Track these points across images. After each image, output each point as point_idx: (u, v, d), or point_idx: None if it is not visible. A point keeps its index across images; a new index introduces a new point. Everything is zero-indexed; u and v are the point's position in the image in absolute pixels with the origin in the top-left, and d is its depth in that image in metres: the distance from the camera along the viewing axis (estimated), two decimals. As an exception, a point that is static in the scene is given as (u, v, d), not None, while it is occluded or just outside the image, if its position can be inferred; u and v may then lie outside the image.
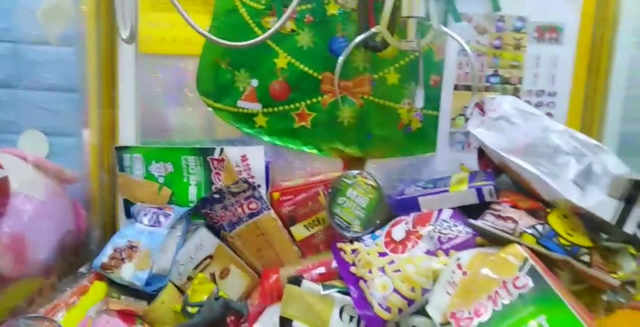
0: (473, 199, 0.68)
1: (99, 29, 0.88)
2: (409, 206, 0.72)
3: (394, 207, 0.75)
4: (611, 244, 0.64)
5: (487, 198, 0.67)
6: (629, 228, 0.54)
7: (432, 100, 0.85)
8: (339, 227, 0.76)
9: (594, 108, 0.81)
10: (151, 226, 0.83)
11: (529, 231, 0.59)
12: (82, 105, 0.92)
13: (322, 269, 0.76)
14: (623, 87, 0.80)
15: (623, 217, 0.54)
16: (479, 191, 0.67)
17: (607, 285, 0.55)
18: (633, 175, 0.56)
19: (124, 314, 0.75)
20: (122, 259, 0.79)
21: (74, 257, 0.85)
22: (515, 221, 0.61)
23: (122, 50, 0.90)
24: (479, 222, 0.63)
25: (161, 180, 0.91)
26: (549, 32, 0.80)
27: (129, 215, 0.90)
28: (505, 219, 0.62)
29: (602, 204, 0.55)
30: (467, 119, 0.84)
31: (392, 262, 0.66)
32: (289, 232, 0.84)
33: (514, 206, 0.64)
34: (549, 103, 0.81)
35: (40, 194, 0.78)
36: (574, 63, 0.80)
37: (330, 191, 0.78)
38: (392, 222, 0.72)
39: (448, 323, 0.56)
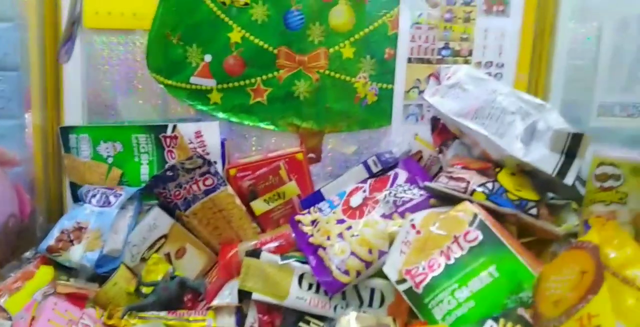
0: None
1: (40, 2, 0.84)
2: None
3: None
4: (556, 202, 0.66)
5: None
6: (569, 180, 0.56)
7: (387, 74, 0.86)
8: None
9: (539, 78, 0.85)
10: (100, 206, 0.79)
11: (480, 188, 0.61)
12: (24, 85, 0.87)
13: (279, 242, 0.76)
14: (565, 58, 0.84)
15: (563, 170, 0.56)
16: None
17: (552, 235, 0.57)
18: (573, 129, 0.58)
19: (74, 297, 0.71)
20: (71, 241, 0.75)
21: (17, 243, 0.80)
22: (466, 181, 0.62)
23: (66, 25, 0.86)
24: (432, 184, 0.64)
25: (110, 160, 0.87)
26: (497, 5, 0.82)
27: (76, 199, 0.85)
28: (457, 179, 0.63)
29: (544, 157, 0.58)
30: (420, 92, 0.85)
31: (350, 227, 0.66)
32: (248, 209, 0.83)
33: (466, 167, 0.65)
34: (497, 74, 0.83)
35: (-24, 176, 0.73)
36: (520, 35, 0.83)
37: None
38: (349, 191, 0.72)
39: (404, 280, 0.57)
